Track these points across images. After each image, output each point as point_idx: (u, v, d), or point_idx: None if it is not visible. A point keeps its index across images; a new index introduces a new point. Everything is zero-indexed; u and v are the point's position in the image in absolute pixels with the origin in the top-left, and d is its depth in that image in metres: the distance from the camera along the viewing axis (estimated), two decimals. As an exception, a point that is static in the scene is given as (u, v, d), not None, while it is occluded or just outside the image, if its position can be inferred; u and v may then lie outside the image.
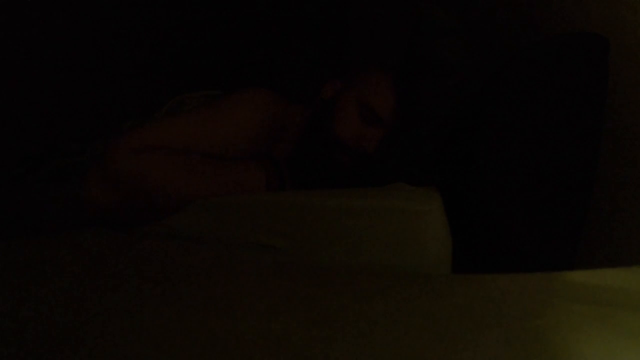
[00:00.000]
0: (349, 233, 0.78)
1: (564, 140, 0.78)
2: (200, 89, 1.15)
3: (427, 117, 0.95)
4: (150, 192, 0.86)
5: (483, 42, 1.02)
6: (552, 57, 0.83)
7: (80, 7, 1.24)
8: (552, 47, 0.85)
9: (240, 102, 0.96)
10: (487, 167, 0.80)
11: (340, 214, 0.78)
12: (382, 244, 0.77)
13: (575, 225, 0.78)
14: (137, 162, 0.85)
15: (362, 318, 0.52)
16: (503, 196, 0.79)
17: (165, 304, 0.56)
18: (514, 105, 0.81)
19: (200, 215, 0.85)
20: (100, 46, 1.28)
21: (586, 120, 0.79)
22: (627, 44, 0.81)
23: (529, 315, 0.52)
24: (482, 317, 0.52)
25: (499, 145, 0.80)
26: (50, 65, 1.25)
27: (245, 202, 0.85)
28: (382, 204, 0.78)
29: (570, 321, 0.50)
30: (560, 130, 0.79)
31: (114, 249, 0.76)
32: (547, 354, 0.45)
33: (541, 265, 0.77)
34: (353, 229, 0.77)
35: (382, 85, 1.00)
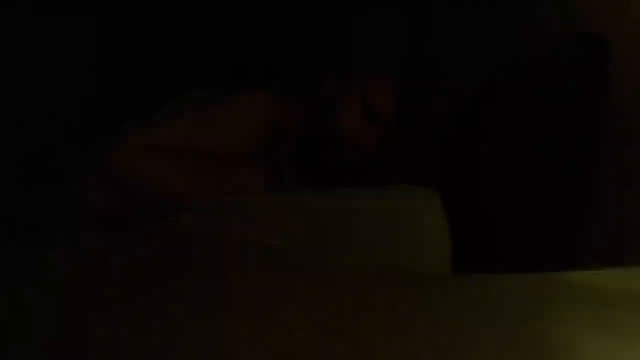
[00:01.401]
0: (349, 233, 0.77)
1: (563, 140, 0.78)
2: (200, 88, 1.14)
3: (427, 117, 0.95)
4: (150, 193, 0.86)
5: (483, 42, 1.02)
6: (552, 57, 0.83)
7: (80, 7, 1.24)
8: (552, 47, 0.85)
9: (240, 103, 0.96)
10: (487, 167, 0.80)
11: (340, 214, 0.78)
12: (382, 244, 0.77)
13: (575, 225, 0.78)
14: (137, 162, 0.85)
15: (362, 318, 0.52)
16: (503, 196, 0.79)
17: (165, 304, 0.56)
18: (514, 105, 0.82)
19: (200, 215, 0.85)
20: (100, 45, 1.28)
21: (586, 120, 0.79)
22: (627, 44, 0.81)
23: (529, 315, 0.52)
24: (482, 317, 0.52)
25: (498, 145, 0.80)
26: (50, 65, 1.25)
27: (245, 202, 0.85)
28: (382, 204, 0.78)
29: (570, 321, 0.49)
30: (560, 130, 0.79)
31: (114, 249, 0.76)
32: (547, 354, 0.45)
33: (541, 265, 0.77)
34: (353, 229, 0.77)
35: (382, 84, 1.00)
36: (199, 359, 0.47)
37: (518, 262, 0.78)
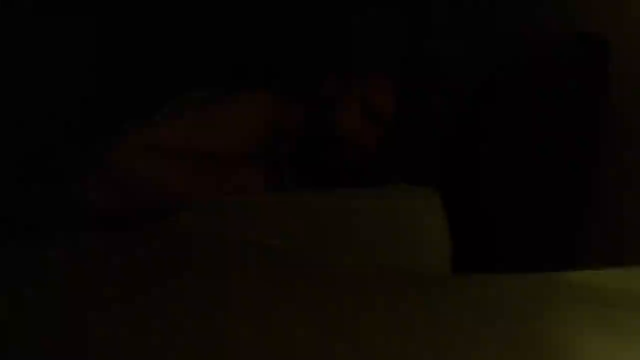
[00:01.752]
0: (349, 233, 0.77)
1: (563, 140, 0.79)
2: (200, 88, 1.14)
3: (427, 117, 0.95)
4: (150, 193, 0.86)
5: (483, 42, 1.02)
6: (552, 57, 0.83)
7: (80, 7, 1.24)
8: (552, 47, 0.85)
9: (240, 103, 0.96)
10: (487, 167, 0.80)
11: (340, 214, 0.78)
12: (382, 244, 0.77)
13: (575, 225, 0.78)
14: (137, 162, 0.85)
15: (362, 318, 0.52)
16: (503, 196, 0.79)
17: (165, 304, 0.56)
18: (514, 105, 0.82)
19: (200, 215, 0.85)
20: (100, 45, 1.28)
21: (586, 120, 0.79)
22: (627, 44, 0.81)
23: (529, 315, 0.52)
24: (482, 317, 0.52)
25: (498, 146, 0.80)
26: (50, 65, 1.24)
27: (245, 202, 0.85)
28: (382, 204, 0.78)
29: (570, 321, 0.49)
30: (560, 130, 0.79)
31: (114, 249, 0.76)
32: (547, 354, 0.45)
33: (541, 265, 0.77)
34: (353, 229, 0.77)
35: (382, 84, 1.01)
36: (199, 359, 0.47)
37: (518, 262, 0.78)
